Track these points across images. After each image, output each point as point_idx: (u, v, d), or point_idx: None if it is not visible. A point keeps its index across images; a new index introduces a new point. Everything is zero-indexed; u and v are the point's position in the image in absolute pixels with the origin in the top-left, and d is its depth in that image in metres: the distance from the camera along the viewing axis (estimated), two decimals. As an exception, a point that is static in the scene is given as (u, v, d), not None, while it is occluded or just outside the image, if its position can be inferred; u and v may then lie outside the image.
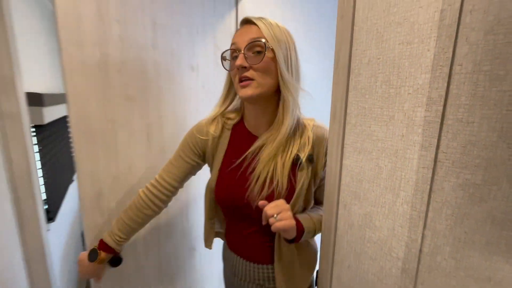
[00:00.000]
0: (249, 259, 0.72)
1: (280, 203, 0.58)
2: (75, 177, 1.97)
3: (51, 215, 1.21)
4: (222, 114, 0.70)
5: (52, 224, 1.24)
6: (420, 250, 0.44)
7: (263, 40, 0.56)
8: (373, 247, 0.52)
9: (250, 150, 0.64)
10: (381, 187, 0.49)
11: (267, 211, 0.56)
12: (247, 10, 1.13)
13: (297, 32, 1.32)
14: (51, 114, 1.22)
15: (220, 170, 0.68)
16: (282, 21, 1.22)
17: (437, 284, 0.43)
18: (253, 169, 0.63)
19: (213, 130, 0.68)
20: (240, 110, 0.70)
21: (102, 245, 0.76)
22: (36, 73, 1.29)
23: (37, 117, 1.06)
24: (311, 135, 0.63)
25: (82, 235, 2.12)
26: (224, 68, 0.64)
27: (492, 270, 0.37)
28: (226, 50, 0.62)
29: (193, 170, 0.74)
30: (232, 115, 0.69)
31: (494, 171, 0.36)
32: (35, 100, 1.04)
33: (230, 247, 0.77)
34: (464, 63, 0.37)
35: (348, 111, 0.53)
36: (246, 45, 0.57)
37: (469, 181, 0.38)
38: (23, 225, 0.89)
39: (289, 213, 0.58)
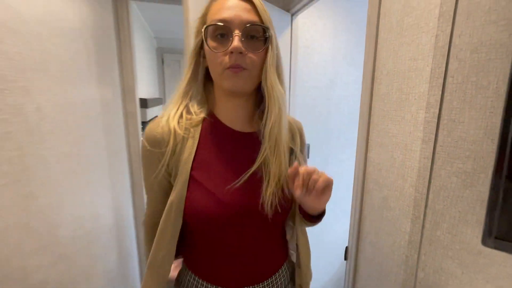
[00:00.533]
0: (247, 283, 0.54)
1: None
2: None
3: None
4: (187, 108, 0.53)
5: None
6: (423, 226, 0.55)
7: (265, 27, 0.47)
8: (388, 224, 0.63)
9: (260, 156, 0.50)
10: (394, 174, 0.60)
11: (307, 169, 0.45)
12: (300, 24, 1.29)
13: (349, 42, 1.41)
14: (151, 113, 1.63)
15: (195, 178, 0.49)
16: (334, 31, 1.34)
17: (437, 254, 0.53)
18: (257, 171, 0.50)
19: (174, 131, 0.50)
20: (205, 102, 0.55)
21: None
22: (142, 83, 1.75)
23: (143, 115, 1.46)
24: (294, 128, 0.58)
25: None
26: (208, 46, 0.47)
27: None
28: (211, 25, 0.46)
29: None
30: (197, 108, 0.53)
31: (481, 161, 0.45)
32: (143, 103, 1.44)
33: (209, 279, 0.55)
34: (455, 75, 0.47)
35: (371, 112, 0.66)
36: (245, 27, 0.45)
37: (461, 169, 0.48)
38: (134, 191, 1.27)
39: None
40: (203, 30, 0.47)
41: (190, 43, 0.55)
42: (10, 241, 0.59)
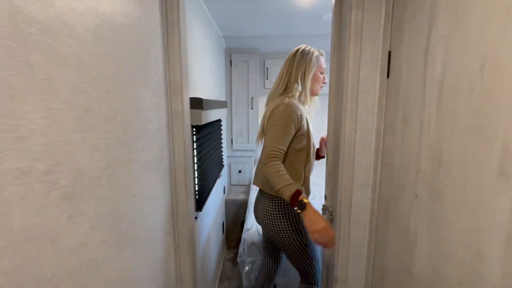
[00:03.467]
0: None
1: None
2: (222, 172, 2.28)
3: (199, 206, 1.38)
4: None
5: (199, 213, 1.42)
6: None
7: None
8: None
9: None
10: None
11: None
12: None
13: None
14: (209, 116, 1.39)
15: (310, 135, 1.22)
16: None
17: None
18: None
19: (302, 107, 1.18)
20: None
21: (296, 195, 0.98)
22: (205, 85, 1.55)
23: (196, 118, 1.22)
24: None
25: (223, 225, 2.42)
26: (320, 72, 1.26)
27: None
28: (325, 69, 1.28)
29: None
30: (301, 100, 1.22)
31: None
32: (196, 104, 1.20)
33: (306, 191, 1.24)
34: None
35: None
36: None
37: None
38: (176, 211, 1.03)
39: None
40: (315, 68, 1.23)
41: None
42: None
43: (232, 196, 2.59)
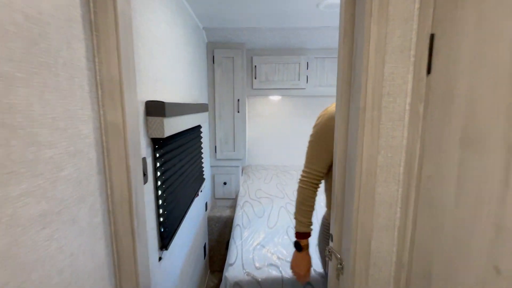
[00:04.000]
0: None
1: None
2: (203, 186, 1.95)
3: (165, 243, 1.05)
4: None
5: (165, 252, 1.10)
6: None
7: None
8: None
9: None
10: None
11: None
12: None
13: None
14: (175, 125, 1.07)
15: None
16: None
17: None
18: None
19: None
20: None
21: (299, 236, 1.03)
22: (168, 83, 1.22)
23: (155, 128, 0.90)
24: None
25: (205, 247, 2.09)
26: None
27: None
28: None
29: None
30: None
31: None
32: (157, 109, 0.88)
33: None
34: None
35: None
36: None
37: None
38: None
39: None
40: None
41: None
42: None
43: (217, 213, 2.26)
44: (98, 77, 0.63)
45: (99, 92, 0.63)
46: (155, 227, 1.01)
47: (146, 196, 0.91)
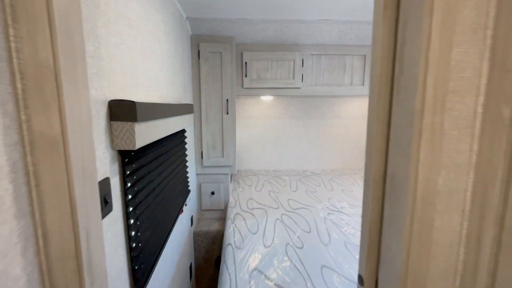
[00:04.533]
0: None
1: None
2: (189, 198, 1.70)
3: (141, 281, 0.81)
4: None
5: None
6: None
7: None
8: None
9: None
10: None
11: None
12: None
13: None
14: (151, 132, 0.83)
15: None
16: None
17: None
18: None
19: None
20: None
21: None
22: (140, 79, 0.98)
23: (126, 138, 0.66)
24: None
25: (191, 267, 1.85)
26: None
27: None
28: None
29: None
30: None
31: None
32: (125, 112, 0.65)
33: None
34: None
35: None
36: None
37: None
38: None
39: None
40: None
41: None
42: None
43: (204, 227, 2.01)
44: (15, 61, 0.39)
45: (18, 85, 0.39)
46: (125, 267, 0.77)
47: (110, 232, 0.67)
